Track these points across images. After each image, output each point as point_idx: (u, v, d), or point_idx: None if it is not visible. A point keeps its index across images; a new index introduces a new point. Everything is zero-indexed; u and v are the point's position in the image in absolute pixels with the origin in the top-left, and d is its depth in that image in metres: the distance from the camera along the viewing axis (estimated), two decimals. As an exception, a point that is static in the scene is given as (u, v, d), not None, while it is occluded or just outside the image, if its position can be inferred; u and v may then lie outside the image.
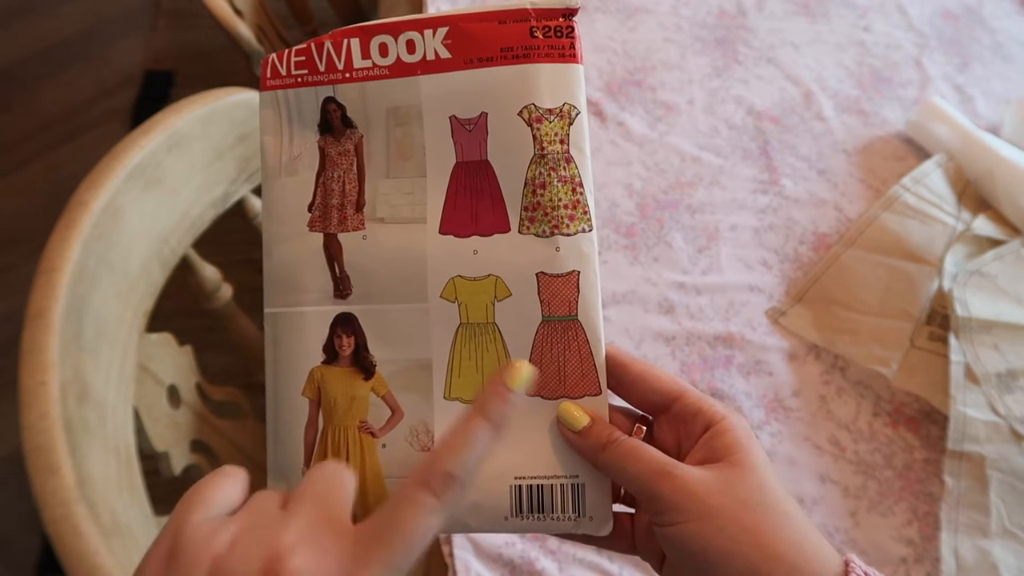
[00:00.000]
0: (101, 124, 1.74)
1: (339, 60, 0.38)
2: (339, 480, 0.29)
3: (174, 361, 0.59)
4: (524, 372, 0.31)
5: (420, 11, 0.86)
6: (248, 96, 0.58)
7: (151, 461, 0.52)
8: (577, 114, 0.37)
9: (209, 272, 0.63)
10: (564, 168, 0.37)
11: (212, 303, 0.65)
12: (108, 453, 0.43)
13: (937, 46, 0.89)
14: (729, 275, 0.69)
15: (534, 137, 0.37)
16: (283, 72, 0.38)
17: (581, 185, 0.37)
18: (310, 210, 0.38)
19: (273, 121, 0.39)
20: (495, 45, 0.37)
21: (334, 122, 0.38)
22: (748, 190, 0.75)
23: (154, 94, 1.79)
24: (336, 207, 0.38)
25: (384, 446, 0.37)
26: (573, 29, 0.37)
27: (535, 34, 0.37)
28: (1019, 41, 0.91)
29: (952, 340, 0.61)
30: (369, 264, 0.38)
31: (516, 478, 0.36)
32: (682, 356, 0.64)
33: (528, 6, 0.37)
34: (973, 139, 0.73)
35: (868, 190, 0.75)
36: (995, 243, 0.67)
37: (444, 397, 0.37)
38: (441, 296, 0.37)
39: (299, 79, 0.38)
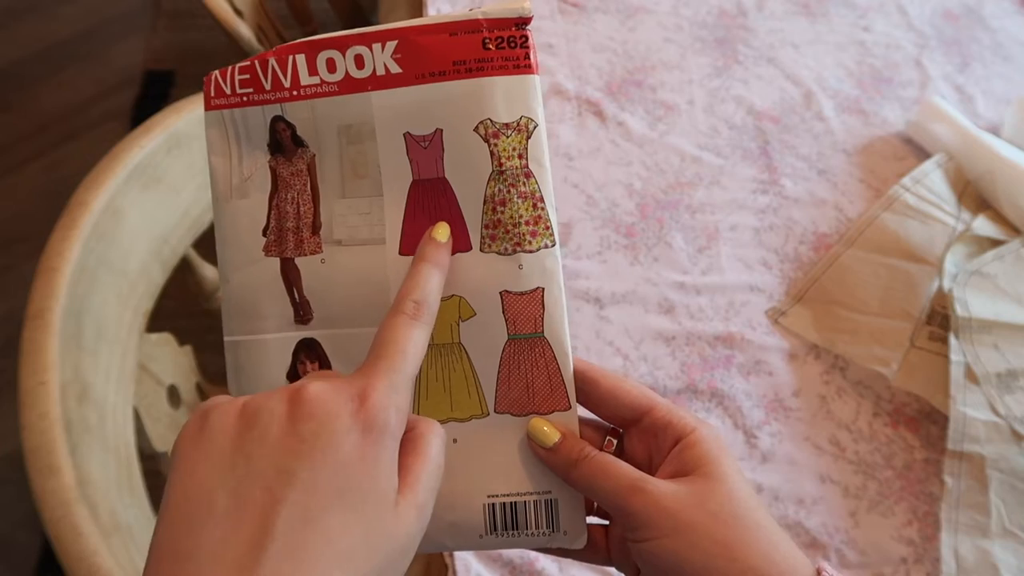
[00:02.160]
0: (101, 124, 1.74)
1: (285, 77, 0.36)
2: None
3: (174, 361, 0.59)
4: (444, 226, 0.35)
5: (420, 11, 0.86)
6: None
7: (151, 461, 0.52)
8: (535, 127, 0.36)
9: (209, 272, 0.63)
10: (524, 184, 0.36)
11: (212, 303, 0.65)
12: (108, 453, 0.43)
13: (937, 46, 0.89)
14: (729, 275, 0.69)
15: (491, 153, 0.36)
16: (227, 91, 0.37)
17: (542, 200, 0.36)
18: (264, 234, 0.37)
19: (220, 141, 0.37)
20: (447, 58, 0.35)
21: (284, 141, 0.37)
22: (748, 190, 0.75)
23: (154, 94, 1.79)
24: (291, 230, 0.37)
25: None
26: (527, 39, 0.36)
27: (488, 46, 0.35)
28: (1019, 41, 0.91)
29: (952, 340, 0.61)
30: (329, 288, 0.37)
31: (489, 496, 0.36)
32: (682, 356, 0.64)
33: (480, 17, 0.35)
34: (973, 139, 0.73)
35: (868, 190, 0.75)
36: (995, 243, 0.67)
37: None
38: None
39: (244, 98, 0.37)
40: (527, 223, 0.36)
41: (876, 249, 0.68)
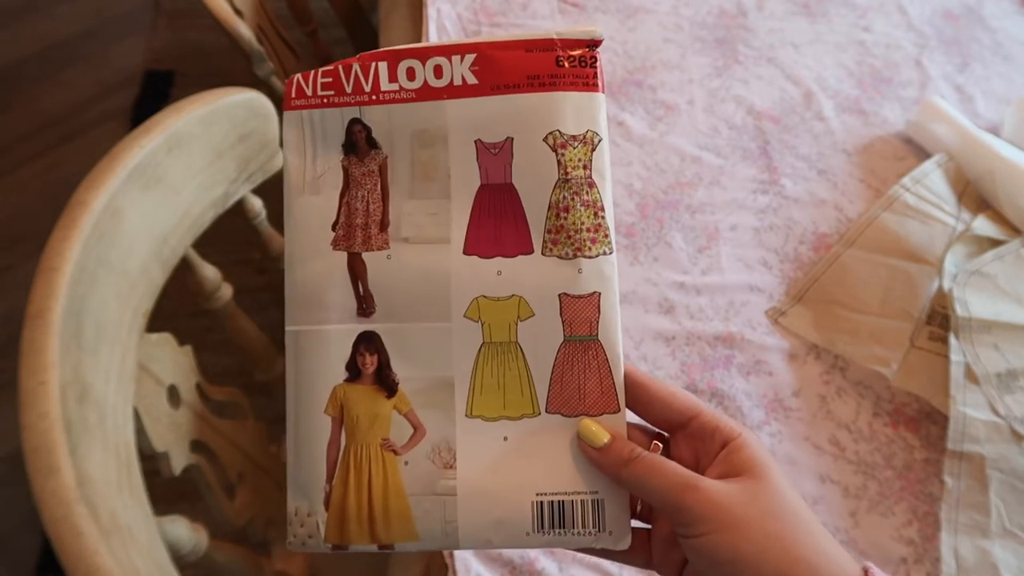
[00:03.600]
0: (101, 124, 1.74)
1: (366, 82, 0.38)
2: None
3: (174, 361, 0.59)
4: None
5: (420, 12, 0.86)
6: (248, 96, 0.58)
7: (151, 461, 0.52)
8: (599, 141, 0.38)
9: (209, 272, 0.63)
10: (587, 193, 0.38)
11: (212, 303, 0.65)
12: (108, 453, 0.43)
13: (937, 46, 0.89)
14: (729, 275, 0.69)
15: (559, 162, 0.38)
16: (308, 92, 0.39)
17: (603, 209, 0.38)
18: (333, 229, 0.39)
19: (297, 140, 0.39)
20: (522, 72, 0.38)
21: (359, 143, 0.39)
22: (748, 190, 0.75)
23: (154, 94, 1.79)
24: (360, 226, 0.39)
25: (406, 463, 0.37)
26: (596, 60, 0.38)
27: (561, 63, 0.38)
28: (1019, 41, 0.91)
29: (952, 340, 0.61)
30: (393, 283, 0.38)
31: (538, 494, 0.36)
32: (682, 356, 0.64)
33: (555, 36, 0.38)
34: (973, 139, 0.73)
35: (868, 190, 0.75)
36: (995, 243, 0.67)
37: (466, 415, 0.37)
38: (465, 315, 0.38)
39: (325, 100, 0.39)
40: (588, 230, 0.38)
41: (876, 249, 0.68)
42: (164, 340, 0.58)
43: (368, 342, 0.38)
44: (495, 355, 0.38)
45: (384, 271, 0.38)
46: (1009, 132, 0.77)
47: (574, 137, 0.38)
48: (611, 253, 0.38)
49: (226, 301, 0.66)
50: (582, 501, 0.36)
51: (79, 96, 1.78)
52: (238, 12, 0.82)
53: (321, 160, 0.39)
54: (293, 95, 0.39)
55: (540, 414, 0.37)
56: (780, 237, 0.72)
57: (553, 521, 0.36)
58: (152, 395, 0.54)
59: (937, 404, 0.60)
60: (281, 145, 0.62)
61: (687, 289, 0.68)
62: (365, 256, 0.38)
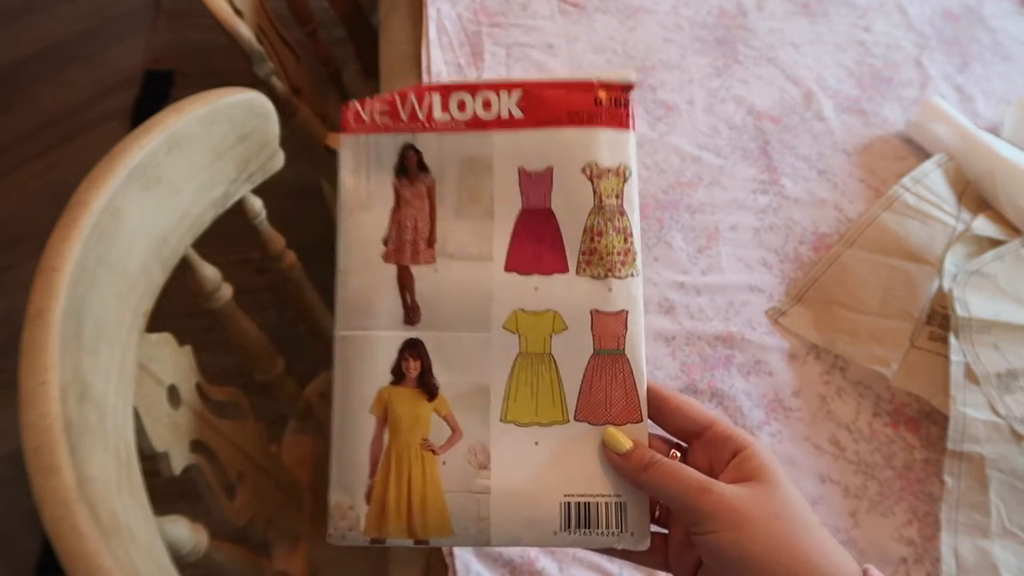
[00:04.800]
0: (101, 124, 1.74)
1: (420, 111, 0.42)
2: None
3: (174, 361, 0.59)
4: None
5: (420, 12, 0.86)
6: (248, 96, 0.58)
7: (151, 461, 0.52)
8: (630, 174, 0.42)
9: (209, 272, 0.63)
10: (619, 220, 0.42)
11: (212, 303, 0.65)
12: (108, 453, 0.43)
13: (937, 46, 0.89)
14: (729, 275, 0.69)
15: (594, 191, 0.42)
16: (366, 119, 0.43)
17: (632, 236, 0.42)
18: (385, 243, 0.42)
19: (353, 161, 0.43)
20: (563, 109, 0.42)
21: (411, 167, 0.42)
22: (748, 190, 0.75)
23: (154, 94, 1.79)
24: (409, 242, 0.42)
25: (444, 463, 0.40)
26: (630, 101, 0.42)
27: (599, 102, 0.42)
28: (1019, 41, 0.91)
29: (952, 340, 0.61)
30: (438, 294, 0.41)
31: (566, 495, 0.39)
32: (682, 356, 0.64)
33: (594, 79, 0.42)
34: (973, 139, 0.73)
35: (868, 190, 0.75)
36: (995, 243, 0.67)
37: (500, 420, 0.40)
38: (503, 327, 0.41)
39: (381, 126, 0.43)
40: (619, 253, 0.42)
41: (876, 249, 0.68)
42: (164, 340, 0.58)
43: (413, 348, 0.41)
44: (530, 365, 0.41)
45: (430, 283, 0.41)
46: (1009, 132, 0.77)
47: (608, 169, 0.42)
48: (638, 275, 0.42)
49: (226, 301, 0.66)
50: (606, 503, 0.39)
51: (79, 96, 1.78)
52: (238, 12, 0.82)
53: (375, 181, 0.43)
54: (351, 120, 0.43)
55: (569, 421, 0.40)
56: (780, 237, 0.72)
57: (579, 521, 0.39)
58: (152, 395, 0.54)
59: (937, 404, 0.60)
60: (278, 145, 0.62)
61: (687, 289, 0.68)
62: (413, 269, 0.42)
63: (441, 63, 0.81)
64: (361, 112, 0.43)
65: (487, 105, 0.42)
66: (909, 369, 0.62)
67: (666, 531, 0.40)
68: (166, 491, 0.53)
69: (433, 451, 0.40)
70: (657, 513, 0.41)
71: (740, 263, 0.70)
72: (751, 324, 0.66)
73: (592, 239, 0.41)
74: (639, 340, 0.41)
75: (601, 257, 0.41)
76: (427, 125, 0.42)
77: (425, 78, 0.80)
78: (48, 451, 0.38)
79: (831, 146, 0.79)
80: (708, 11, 0.90)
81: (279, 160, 0.64)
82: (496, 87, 0.42)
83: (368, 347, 0.41)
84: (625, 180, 0.42)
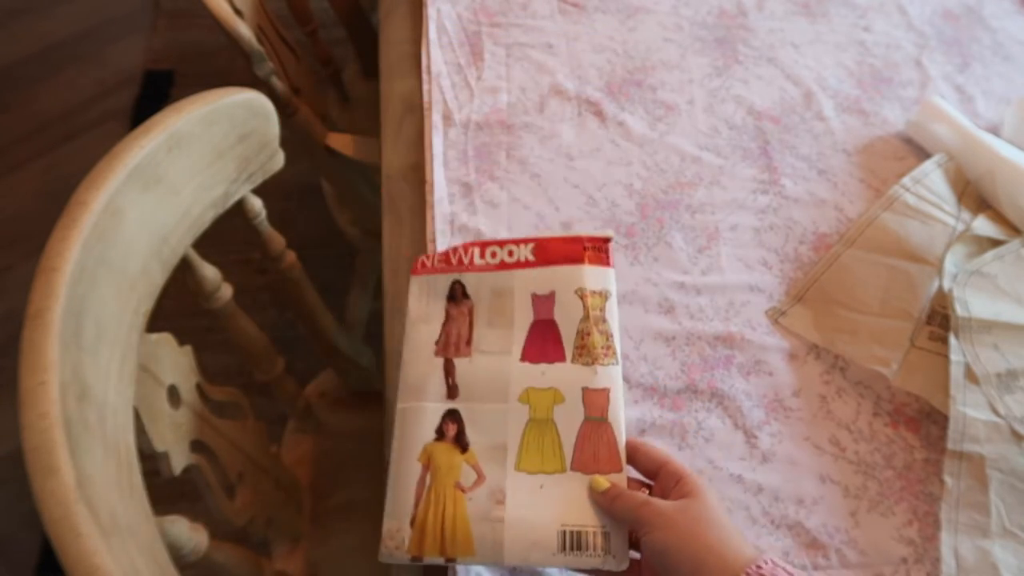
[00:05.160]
0: (101, 124, 1.74)
1: (465, 259, 0.61)
2: None
3: (174, 361, 0.59)
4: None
5: (420, 15, 0.86)
6: (248, 96, 0.58)
7: (151, 461, 0.52)
8: (610, 295, 0.58)
9: (209, 272, 0.63)
10: (602, 325, 0.57)
11: (212, 303, 0.65)
12: (108, 453, 0.43)
13: (937, 46, 0.89)
14: (729, 275, 0.69)
15: (583, 306, 0.58)
16: (429, 265, 0.62)
17: (611, 336, 0.57)
18: (436, 344, 0.58)
19: (420, 293, 0.61)
20: (562, 254, 0.60)
21: (457, 295, 0.60)
22: (748, 190, 0.75)
23: (154, 94, 1.79)
24: (454, 343, 0.58)
25: (470, 499, 0.52)
26: (608, 249, 0.60)
27: (586, 249, 0.60)
28: (1019, 41, 0.91)
29: (952, 340, 0.61)
30: (472, 377, 0.56)
31: (563, 525, 0.50)
32: (682, 356, 0.64)
33: (584, 236, 0.60)
34: (973, 139, 0.73)
35: (868, 190, 0.75)
36: (995, 243, 0.67)
37: (515, 469, 0.52)
38: (518, 400, 0.55)
39: (439, 269, 0.61)
40: (602, 348, 0.56)
41: (876, 249, 0.68)
42: (164, 340, 0.58)
43: (452, 416, 0.55)
44: (537, 428, 0.54)
45: (467, 370, 0.57)
46: (1009, 132, 0.77)
47: (594, 291, 0.58)
48: (617, 364, 0.55)
49: (226, 301, 0.66)
50: (594, 532, 0.50)
51: (79, 96, 1.78)
52: (238, 12, 0.82)
53: (433, 304, 0.60)
54: (419, 267, 0.62)
55: (567, 471, 0.52)
56: (780, 237, 0.72)
57: (573, 546, 0.49)
58: (152, 395, 0.54)
59: (937, 404, 0.60)
60: (278, 145, 0.62)
61: (687, 289, 0.68)
62: (455, 360, 0.57)
63: (441, 63, 0.81)
64: (427, 262, 0.62)
65: (510, 254, 0.61)
66: (909, 369, 0.62)
67: (639, 556, 0.50)
68: (166, 491, 0.53)
69: (463, 490, 0.52)
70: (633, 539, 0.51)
71: (740, 263, 0.70)
72: (751, 324, 0.66)
73: (583, 338, 0.56)
74: (618, 410, 0.53)
75: (589, 351, 0.56)
76: (469, 266, 0.61)
77: (425, 78, 0.80)
78: (47, 451, 0.38)
79: (831, 146, 0.79)
80: (708, 11, 0.90)
81: (279, 160, 0.64)
82: (518, 242, 0.61)
83: (419, 414, 0.55)
84: (606, 299, 0.58)
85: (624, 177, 0.75)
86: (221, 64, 1.81)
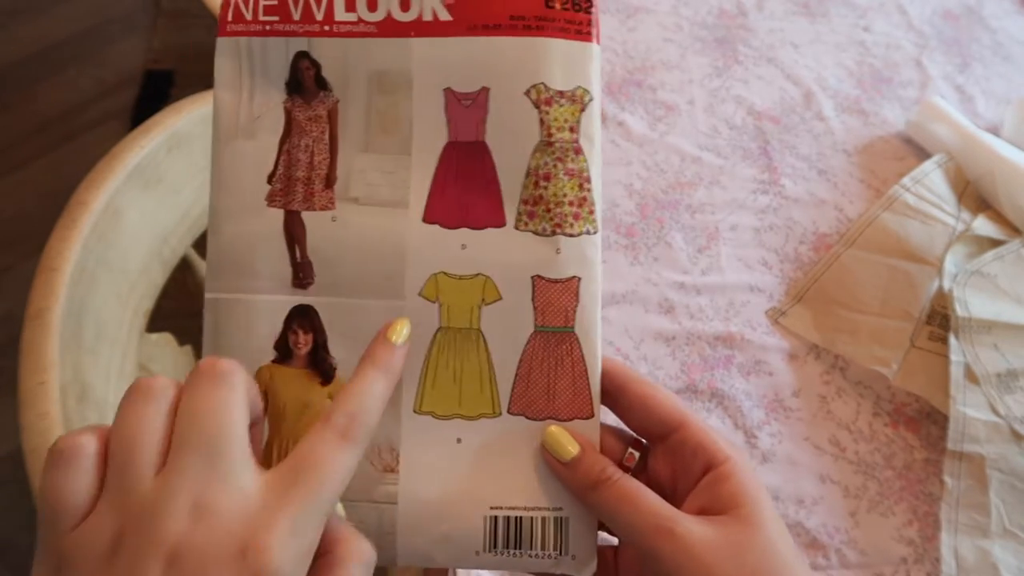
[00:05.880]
0: (101, 124, 1.74)
1: (318, 9, 0.32)
2: (222, 411, 0.24)
3: (174, 361, 0.59)
4: (404, 323, 0.29)
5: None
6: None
7: (151, 461, 0.52)
8: (590, 100, 0.33)
9: (209, 272, 0.63)
10: (572, 160, 0.33)
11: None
12: (108, 453, 0.43)
13: (937, 46, 0.89)
14: (729, 275, 0.69)
15: (541, 121, 0.33)
16: (248, 16, 0.33)
17: (589, 181, 0.33)
18: (270, 182, 0.33)
19: (232, 73, 0.33)
20: (504, 11, 0.32)
21: (305, 82, 0.33)
22: (748, 190, 0.75)
23: (154, 94, 1.79)
24: (302, 180, 0.33)
25: None
26: (592, 4, 0.33)
27: (551, 4, 0.32)
28: (1019, 41, 0.91)
29: (952, 340, 0.61)
30: (337, 250, 0.33)
31: (492, 508, 0.32)
32: (682, 356, 0.64)
33: None
34: (973, 139, 0.73)
35: (868, 190, 0.75)
36: (995, 243, 0.67)
37: (414, 411, 0.32)
38: (420, 294, 0.33)
39: (267, 26, 0.33)
40: (571, 203, 0.33)
41: (876, 249, 0.68)
42: (164, 340, 0.58)
43: (303, 318, 0.32)
44: (453, 343, 0.32)
45: (327, 235, 0.33)
46: (1009, 132, 0.77)
47: (561, 93, 0.33)
48: (596, 232, 0.33)
49: (226, 301, 0.66)
50: (543, 519, 0.32)
51: (79, 96, 1.78)
52: (238, 12, 0.82)
53: (259, 99, 0.33)
54: (230, 18, 0.33)
55: (501, 415, 0.32)
56: (780, 237, 0.72)
57: (508, 540, 0.31)
58: (152, 395, 0.54)
59: (937, 404, 0.60)
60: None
61: (687, 289, 0.68)
62: (305, 216, 0.33)
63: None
64: (243, 8, 0.33)
65: (405, 4, 0.32)
66: (909, 369, 0.62)
67: (616, 543, 0.33)
68: (166, 491, 0.53)
69: None
70: None
71: (740, 263, 0.70)
72: (751, 324, 0.66)
73: (537, 184, 0.32)
74: (593, 315, 0.32)
75: (548, 208, 0.32)
76: (327, 27, 0.32)
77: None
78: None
79: (831, 146, 0.79)
80: (708, 11, 0.90)
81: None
82: None
83: (245, 314, 0.32)
84: (583, 108, 0.33)
85: (624, 177, 0.75)
86: (221, 64, 1.81)
